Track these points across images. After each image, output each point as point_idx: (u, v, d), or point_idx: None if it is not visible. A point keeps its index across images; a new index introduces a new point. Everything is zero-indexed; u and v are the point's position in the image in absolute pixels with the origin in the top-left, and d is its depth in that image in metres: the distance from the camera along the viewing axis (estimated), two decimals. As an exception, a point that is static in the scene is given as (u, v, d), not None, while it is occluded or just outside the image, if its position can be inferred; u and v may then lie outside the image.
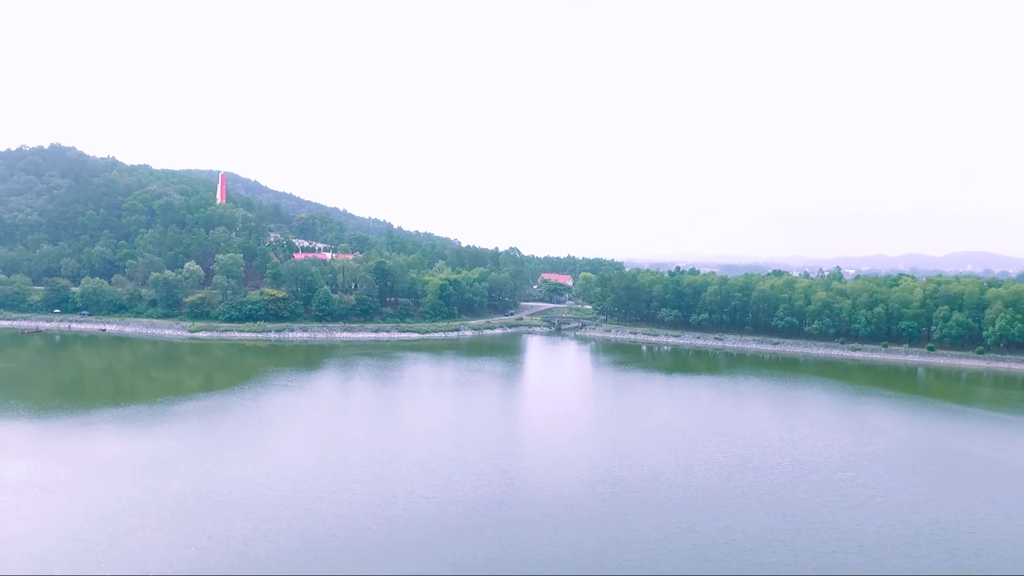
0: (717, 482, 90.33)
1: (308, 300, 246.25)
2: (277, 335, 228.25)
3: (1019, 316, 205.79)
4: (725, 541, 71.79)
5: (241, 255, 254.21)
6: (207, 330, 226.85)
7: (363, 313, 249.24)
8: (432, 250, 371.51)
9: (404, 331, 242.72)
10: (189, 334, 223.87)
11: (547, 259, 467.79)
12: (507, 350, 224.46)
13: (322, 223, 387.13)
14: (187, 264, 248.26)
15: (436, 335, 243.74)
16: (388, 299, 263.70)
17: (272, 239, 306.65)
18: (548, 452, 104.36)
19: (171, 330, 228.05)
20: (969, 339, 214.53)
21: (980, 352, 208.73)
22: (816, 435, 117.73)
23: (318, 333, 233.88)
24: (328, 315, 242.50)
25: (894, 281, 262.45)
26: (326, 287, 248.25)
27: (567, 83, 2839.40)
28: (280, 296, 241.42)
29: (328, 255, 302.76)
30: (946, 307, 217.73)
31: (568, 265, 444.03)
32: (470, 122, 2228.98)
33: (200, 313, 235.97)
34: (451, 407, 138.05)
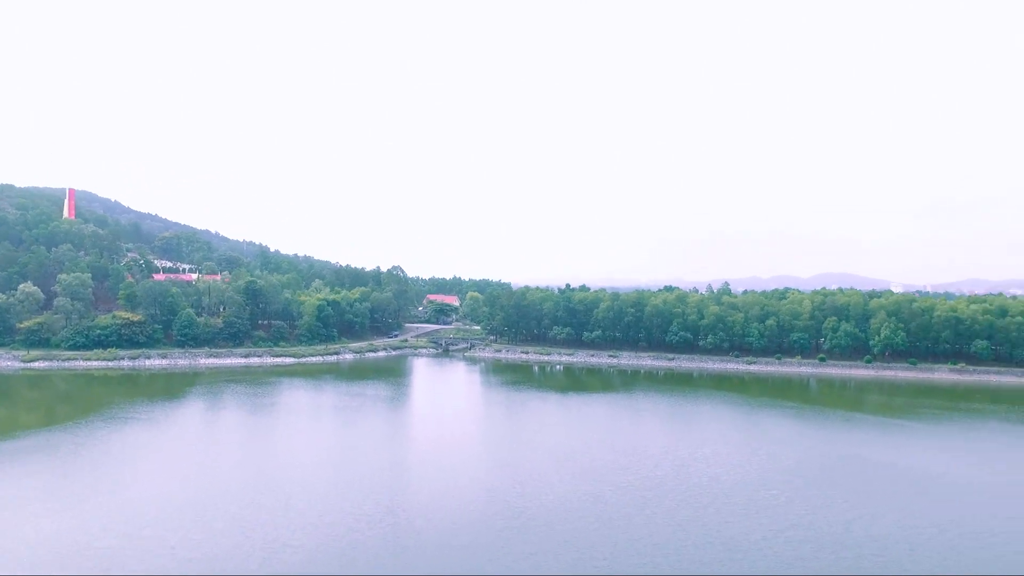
0: (633, 510, 79.41)
1: (169, 324, 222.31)
2: (131, 363, 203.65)
3: (901, 325, 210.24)
4: (652, 580, 60.67)
5: (90, 275, 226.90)
6: (46, 359, 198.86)
7: (232, 337, 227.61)
8: (310, 271, 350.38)
9: (278, 355, 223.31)
10: (23, 364, 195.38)
11: (433, 280, 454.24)
12: (391, 373, 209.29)
13: (188, 243, 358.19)
14: (22, 285, 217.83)
15: (314, 359, 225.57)
16: (260, 322, 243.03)
17: (128, 258, 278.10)
18: (438, 482, 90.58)
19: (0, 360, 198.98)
20: (856, 349, 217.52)
21: (868, 361, 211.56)
22: (727, 451, 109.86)
23: (179, 360, 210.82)
24: (192, 340, 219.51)
25: (782, 294, 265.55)
26: (190, 309, 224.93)
27: (445, 102, 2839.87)
28: (136, 320, 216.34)
29: (193, 276, 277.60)
30: (834, 318, 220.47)
31: (454, 286, 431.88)
32: (349, 142, 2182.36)
33: (38, 340, 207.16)
34: (328, 435, 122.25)
